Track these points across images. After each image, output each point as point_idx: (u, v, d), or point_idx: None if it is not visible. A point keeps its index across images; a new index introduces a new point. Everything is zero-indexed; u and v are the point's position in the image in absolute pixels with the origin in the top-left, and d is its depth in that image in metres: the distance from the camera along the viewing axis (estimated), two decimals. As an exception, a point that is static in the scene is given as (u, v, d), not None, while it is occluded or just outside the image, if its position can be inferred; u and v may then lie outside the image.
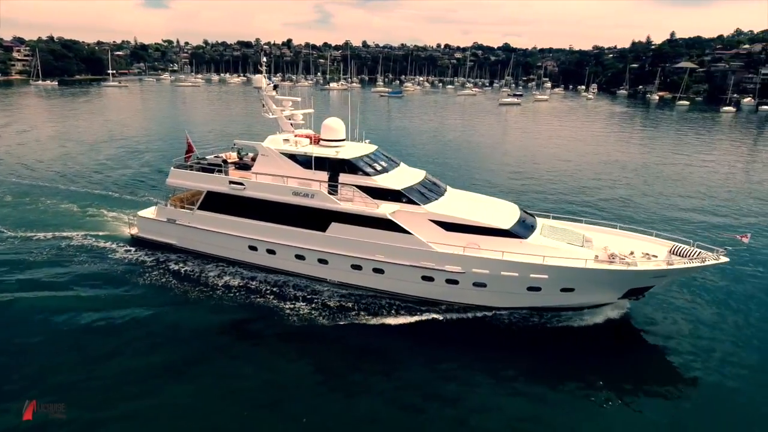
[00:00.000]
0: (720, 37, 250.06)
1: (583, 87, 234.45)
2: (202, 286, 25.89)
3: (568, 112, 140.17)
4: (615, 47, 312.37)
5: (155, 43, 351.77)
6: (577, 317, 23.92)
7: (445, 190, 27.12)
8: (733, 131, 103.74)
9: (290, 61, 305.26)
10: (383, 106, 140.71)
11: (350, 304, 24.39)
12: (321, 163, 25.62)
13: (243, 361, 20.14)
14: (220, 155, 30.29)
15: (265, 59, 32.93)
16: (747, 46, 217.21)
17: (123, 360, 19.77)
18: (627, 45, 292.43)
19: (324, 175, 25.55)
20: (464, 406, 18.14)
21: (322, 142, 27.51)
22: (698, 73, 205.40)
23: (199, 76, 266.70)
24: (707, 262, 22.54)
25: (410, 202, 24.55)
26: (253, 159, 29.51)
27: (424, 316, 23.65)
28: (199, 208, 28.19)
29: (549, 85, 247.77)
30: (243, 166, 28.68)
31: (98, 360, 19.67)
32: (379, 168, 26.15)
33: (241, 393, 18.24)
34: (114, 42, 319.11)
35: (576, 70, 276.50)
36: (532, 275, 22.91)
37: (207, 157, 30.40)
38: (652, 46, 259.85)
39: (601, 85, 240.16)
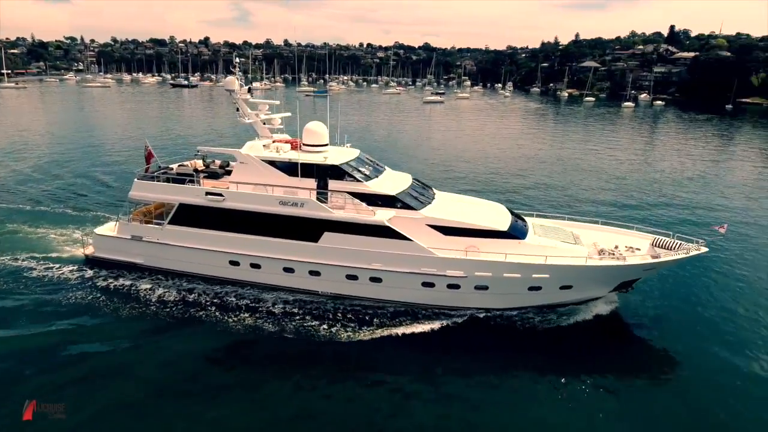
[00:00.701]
0: (618, 38, 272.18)
1: (500, 85, 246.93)
2: (172, 308, 23.50)
3: (489, 109, 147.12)
4: (527, 47, 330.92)
5: (56, 41, 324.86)
6: (574, 313, 24.23)
7: (434, 194, 26.72)
8: (634, 124, 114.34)
9: (209, 60, 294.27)
10: (309, 105, 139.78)
11: (340, 315, 23.44)
12: (308, 170, 24.26)
13: (239, 396, 18.15)
14: (185, 164, 28.39)
15: (237, 60, 29.53)
16: (641, 46, 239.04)
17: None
18: (537, 45, 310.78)
19: (311, 183, 24.24)
20: (470, 409, 18.04)
21: (304, 147, 25.60)
22: (601, 71, 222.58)
23: (109, 76, 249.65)
24: (692, 253, 23.41)
25: (405, 207, 23.85)
26: (222, 167, 28.20)
27: (422, 323, 22.97)
28: (170, 223, 25.66)
29: (469, 83, 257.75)
30: (212, 174, 27.26)
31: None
32: (368, 173, 25.26)
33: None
34: (7, 39, 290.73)
35: (492, 69, 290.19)
36: (534, 275, 23.00)
37: (171, 167, 28.08)
38: (560, 47, 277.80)
39: (516, 83, 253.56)
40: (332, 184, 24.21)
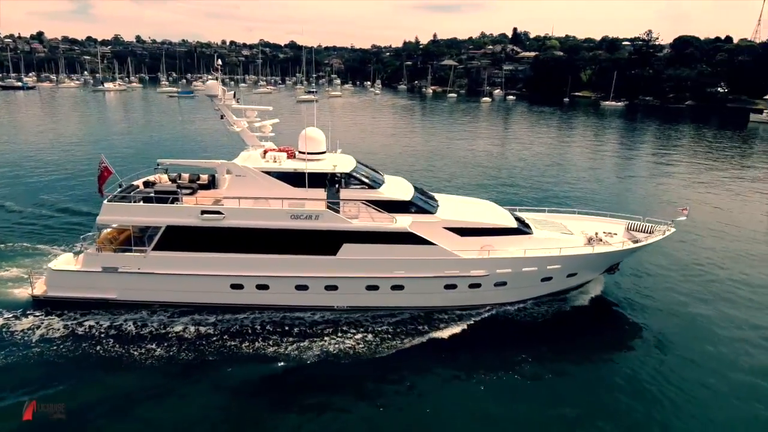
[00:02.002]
0: (470, 38, 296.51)
1: (369, 83, 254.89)
2: (180, 350, 20.27)
3: (362, 105, 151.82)
4: (390, 46, 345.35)
5: None
6: (577, 297, 25.92)
7: (434, 196, 26.52)
8: (493, 116, 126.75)
9: (45, 58, 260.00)
10: (174, 107, 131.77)
11: (354, 327, 22.50)
12: (317, 180, 22.80)
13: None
14: (149, 178, 25.54)
15: (220, 61, 27.06)
16: (491, 47, 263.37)
17: None
18: (400, 44, 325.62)
19: (320, 193, 22.75)
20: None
21: (300, 156, 24.05)
22: (459, 69, 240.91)
23: None
24: (667, 234, 25.52)
25: (420, 211, 23.51)
26: (192, 180, 25.70)
27: (448, 326, 22.81)
28: (154, 249, 22.54)
29: (339, 81, 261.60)
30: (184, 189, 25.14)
31: None
32: (377, 180, 24.53)
33: None
34: None
35: (360, 67, 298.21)
36: (548, 267, 23.92)
37: (133, 183, 25.21)
38: (421, 46, 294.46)
39: (384, 81, 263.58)
40: (345, 193, 23.03)
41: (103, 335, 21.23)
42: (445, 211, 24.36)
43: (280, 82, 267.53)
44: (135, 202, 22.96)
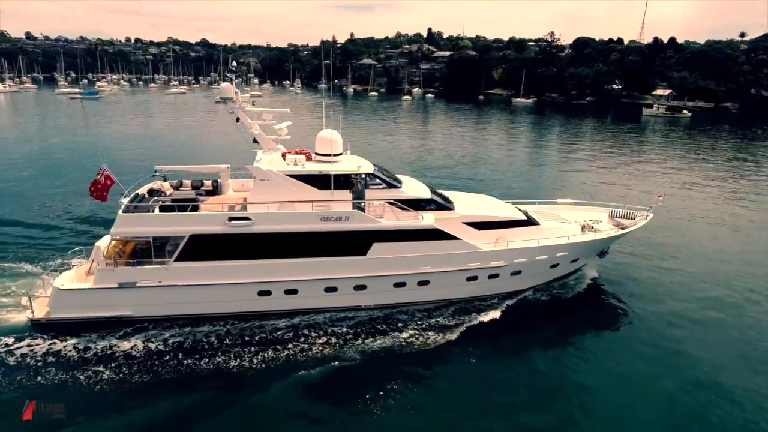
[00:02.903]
0: (386, 38, 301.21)
1: (288, 82, 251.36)
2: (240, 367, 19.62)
3: (286, 105, 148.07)
4: (308, 45, 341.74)
5: None
6: (577, 282, 28.12)
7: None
8: (414, 113, 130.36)
9: None
10: (77, 110, 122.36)
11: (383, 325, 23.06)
12: (342, 181, 23.03)
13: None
14: (152, 186, 24.51)
15: (234, 63, 25.80)
16: (407, 46, 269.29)
17: None
18: (317, 43, 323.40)
19: (346, 194, 23.01)
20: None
21: (317, 157, 24.18)
22: (378, 68, 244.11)
23: None
24: (648, 219, 28.06)
25: (441, 208, 24.30)
26: (195, 187, 25.13)
27: (468, 318, 23.86)
28: (177, 260, 21.61)
29: (256, 81, 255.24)
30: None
31: None
32: (397, 179, 24.97)
33: None
34: None
35: (278, 66, 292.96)
36: (558, 254, 25.62)
37: (138, 192, 23.97)
38: (338, 45, 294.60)
39: (303, 80, 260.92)
40: (370, 193, 23.40)
41: (127, 356, 20.22)
42: (462, 207, 25.31)
43: (193, 81, 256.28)
44: (151, 211, 21.98)
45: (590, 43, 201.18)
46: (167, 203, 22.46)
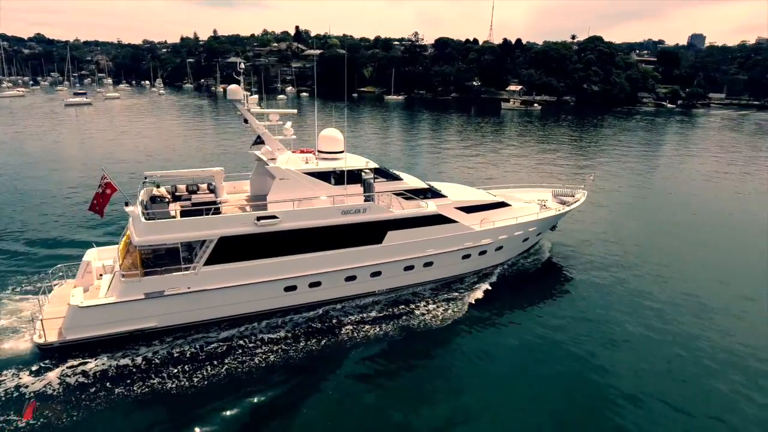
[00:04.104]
0: (253, 35, 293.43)
1: (148, 82, 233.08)
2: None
3: (149, 108, 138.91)
4: (166, 42, 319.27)
5: None
6: (541, 254, 32.12)
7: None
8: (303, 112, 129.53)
9: None
10: None
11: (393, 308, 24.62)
12: (355, 176, 24.43)
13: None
14: (153, 192, 23.76)
15: (243, 65, 25.57)
16: (276, 44, 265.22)
17: None
18: (177, 40, 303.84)
19: (357, 188, 24.32)
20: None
21: (320, 155, 25.28)
22: (248, 67, 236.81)
23: None
24: (585, 196, 33.12)
25: (437, 196, 26.60)
26: (191, 191, 24.90)
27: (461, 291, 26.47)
28: (206, 263, 21.02)
29: (110, 81, 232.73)
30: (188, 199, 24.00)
31: None
32: (396, 173, 26.68)
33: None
34: None
35: (133, 65, 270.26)
36: (530, 230, 29.36)
37: (142, 199, 22.75)
38: (201, 43, 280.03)
39: (165, 80, 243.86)
40: (378, 186, 24.90)
41: (156, 368, 19.41)
42: (453, 194, 28.01)
43: (31, 82, 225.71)
44: (173, 217, 21.39)
45: (450, 43, 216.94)
46: (189, 208, 22.22)
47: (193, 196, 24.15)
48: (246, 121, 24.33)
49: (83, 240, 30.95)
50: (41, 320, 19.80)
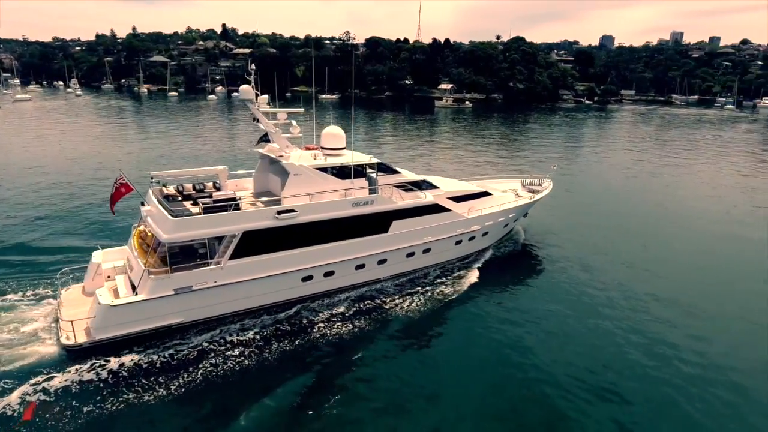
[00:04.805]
0: (176, 33, 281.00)
1: (62, 82, 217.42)
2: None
3: (66, 110, 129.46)
4: (79, 39, 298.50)
5: None
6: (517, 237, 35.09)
7: None
8: (226, 114, 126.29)
9: None
10: None
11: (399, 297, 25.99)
12: (360, 171, 25.71)
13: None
14: (167, 191, 24.74)
15: (253, 66, 26.22)
16: (202, 42, 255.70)
17: None
18: (92, 37, 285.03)
19: (363, 182, 25.62)
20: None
21: (324, 152, 26.36)
22: (173, 66, 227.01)
23: None
24: (551, 185, 35.80)
25: (431, 187, 28.28)
26: (198, 190, 25.54)
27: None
28: (231, 257, 21.81)
29: (17, 81, 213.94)
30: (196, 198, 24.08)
31: None
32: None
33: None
34: None
35: (43, 63, 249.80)
36: (510, 216, 32.05)
37: (154, 198, 23.21)
38: (120, 40, 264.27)
39: (81, 80, 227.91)
40: (381, 179, 26.40)
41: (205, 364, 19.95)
42: (444, 185, 29.77)
43: None
44: (197, 214, 21.66)
45: (381, 43, 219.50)
46: (210, 205, 22.39)
47: (215, 194, 24.25)
48: (256, 119, 25.16)
49: (59, 246, 31.04)
50: (71, 322, 20.04)
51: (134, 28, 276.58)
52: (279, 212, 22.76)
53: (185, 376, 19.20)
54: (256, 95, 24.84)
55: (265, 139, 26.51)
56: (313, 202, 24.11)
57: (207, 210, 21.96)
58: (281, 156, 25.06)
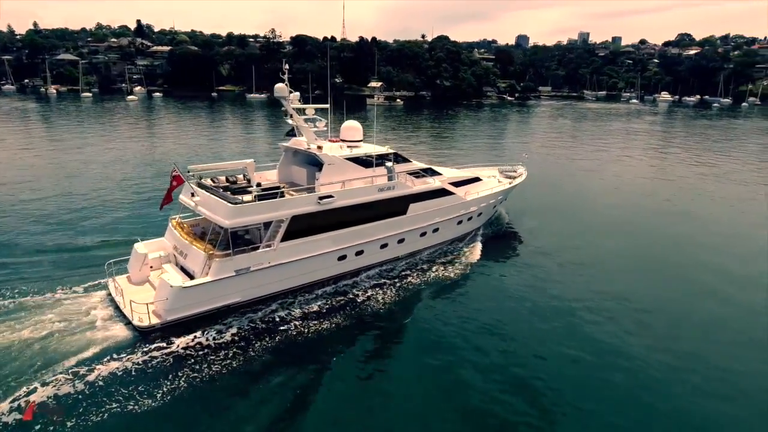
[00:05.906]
0: (84, 29, 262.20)
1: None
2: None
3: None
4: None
5: None
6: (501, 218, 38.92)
7: None
8: (149, 116, 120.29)
9: None
10: None
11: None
12: (380, 160, 28.07)
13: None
14: (215, 182, 26.69)
15: (287, 66, 27.99)
16: (115, 40, 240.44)
17: None
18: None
19: (382, 170, 27.99)
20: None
21: (346, 143, 28.98)
22: (84, 65, 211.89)
23: None
24: (526, 171, 39.20)
25: (436, 174, 31.33)
26: (231, 182, 26.97)
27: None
28: (282, 240, 23.99)
29: None
30: (241, 189, 25.47)
31: None
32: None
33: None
34: None
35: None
36: (498, 198, 35.67)
37: (208, 187, 25.37)
38: (18, 36, 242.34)
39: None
40: (397, 167, 28.69)
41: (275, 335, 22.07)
42: (445, 172, 32.94)
43: None
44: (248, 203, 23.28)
45: (308, 41, 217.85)
46: (260, 193, 24.31)
47: (263, 182, 26.47)
48: (287, 114, 27.54)
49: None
50: (146, 304, 21.77)
51: (35, 24, 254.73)
52: (320, 198, 25.13)
53: (252, 349, 21.11)
54: (290, 92, 26.89)
55: (291, 133, 28.86)
56: (345, 188, 26.51)
57: (260, 198, 24.04)
58: (312, 148, 27.30)
